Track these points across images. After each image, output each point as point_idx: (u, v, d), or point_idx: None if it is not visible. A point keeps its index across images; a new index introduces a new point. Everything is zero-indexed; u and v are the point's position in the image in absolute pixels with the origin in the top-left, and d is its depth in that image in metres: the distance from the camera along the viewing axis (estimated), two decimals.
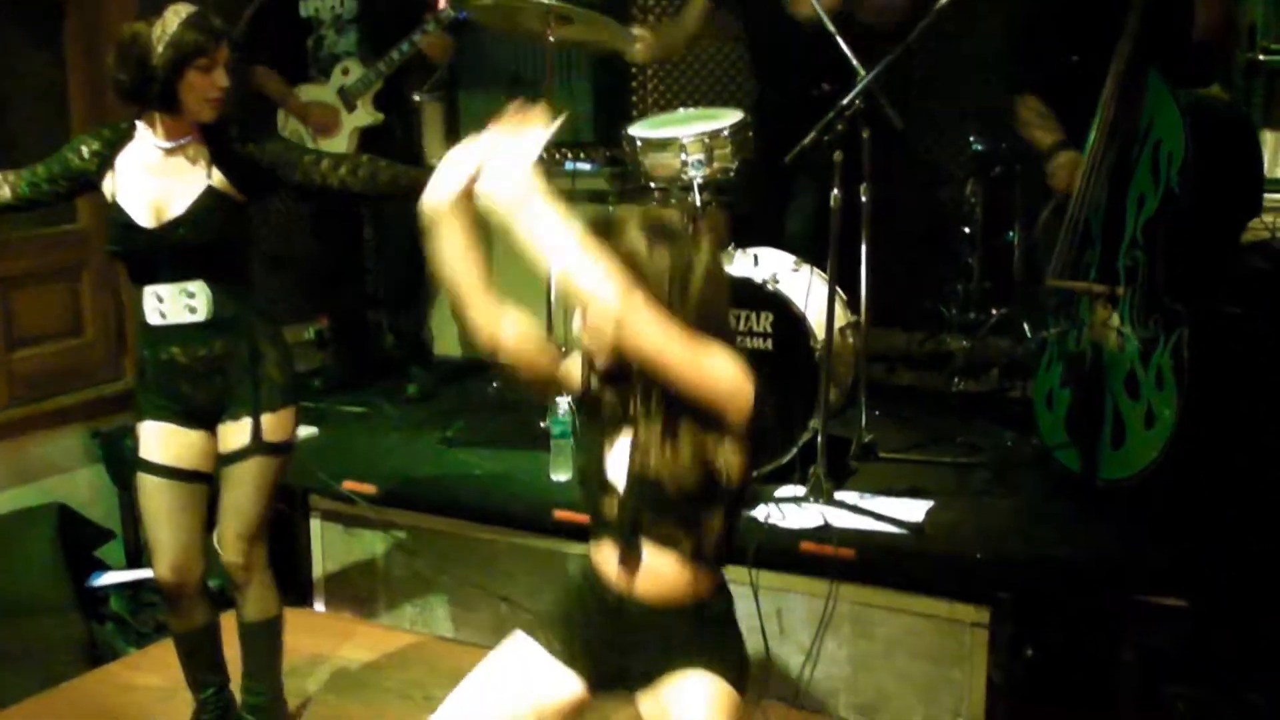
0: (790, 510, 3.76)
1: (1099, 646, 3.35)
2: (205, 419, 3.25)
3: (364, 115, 5.07)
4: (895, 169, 4.96)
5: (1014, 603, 3.39)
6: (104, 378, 5.06)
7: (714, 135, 4.29)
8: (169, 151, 3.15)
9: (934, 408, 4.89)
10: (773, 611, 3.65)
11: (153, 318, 3.17)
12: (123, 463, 4.61)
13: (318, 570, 4.47)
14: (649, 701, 2.36)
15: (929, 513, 3.76)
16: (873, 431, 4.32)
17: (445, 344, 5.97)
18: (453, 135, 6.12)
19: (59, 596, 4.38)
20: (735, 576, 2.48)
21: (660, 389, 2.21)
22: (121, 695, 3.92)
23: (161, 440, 3.24)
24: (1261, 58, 4.62)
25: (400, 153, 5.13)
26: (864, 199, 4.10)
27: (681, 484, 2.24)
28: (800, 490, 3.86)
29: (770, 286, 3.94)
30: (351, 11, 5.08)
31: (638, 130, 4.48)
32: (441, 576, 4.23)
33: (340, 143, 5.07)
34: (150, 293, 3.16)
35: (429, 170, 3.35)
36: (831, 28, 4.13)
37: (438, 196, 2.22)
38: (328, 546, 4.45)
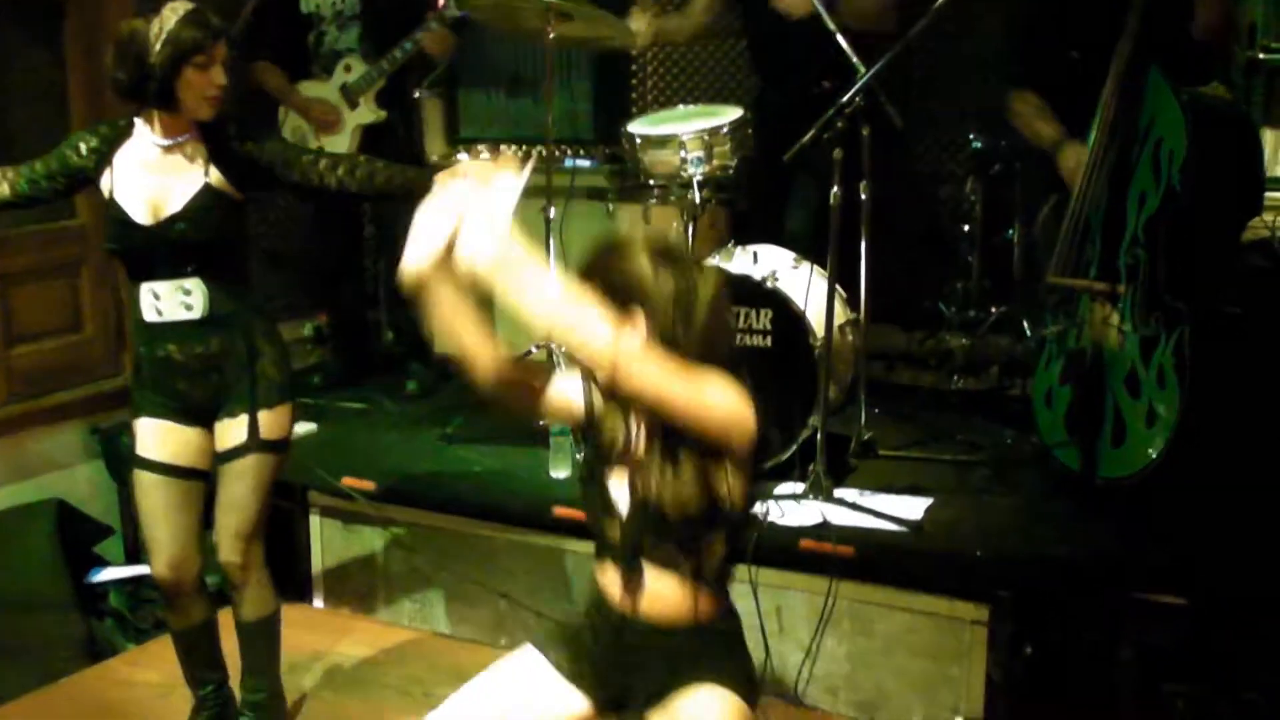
0: (790, 508, 3.76)
1: (1098, 644, 3.35)
2: (202, 416, 3.25)
3: (366, 113, 5.07)
4: (895, 167, 4.97)
5: (1013, 600, 3.39)
6: (103, 374, 5.06)
7: (714, 132, 4.29)
8: (167, 149, 3.14)
9: (933, 405, 4.89)
10: (772, 609, 3.65)
11: (149, 315, 3.17)
12: (122, 459, 4.61)
13: (317, 566, 4.47)
14: (660, 718, 2.36)
15: (928, 510, 3.76)
16: (872, 429, 4.32)
17: (445, 341, 5.96)
18: (453, 132, 6.12)
19: (58, 593, 4.37)
20: (735, 575, 2.48)
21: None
22: (121, 691, 3.92)
23: (158, 437, 3.23)
24: (1261, 56, 4.61)
25: (402, 150, 5.15)
26: (864, 196, 4.10)
27: (683, 508, 2.24)
28: (800, 488, 3.86)
29: (770, 284, 3.94)
30: (353, 8, 5.07)
31: (637, 127, 4.48)
32: (440, 573, 4.23)
33: (342, 140, 5.07)
34: (147, 290, 3.16)
35: (426, 170, 3.36)
36: (831, 25, 4.13)
37: (415, 265, 2.15)
38: (327, 543, 4.45)
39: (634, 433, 2.30)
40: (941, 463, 4.22)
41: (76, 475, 4.85)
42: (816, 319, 3.90)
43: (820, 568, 3.58)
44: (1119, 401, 3.66)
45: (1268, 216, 3.95)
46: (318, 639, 4.16)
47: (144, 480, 3.24)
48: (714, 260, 4.15)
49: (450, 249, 2.09)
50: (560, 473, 4.12)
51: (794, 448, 3.96)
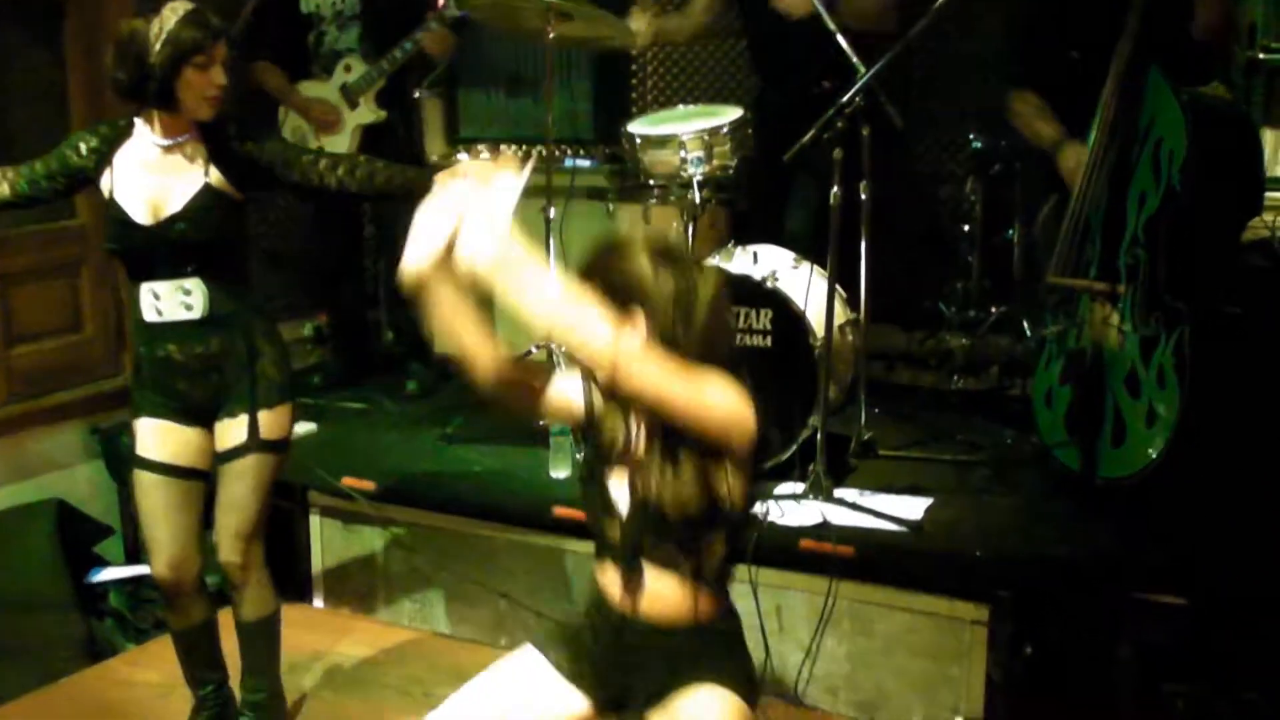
0: (790, 508, 3.76)
1: (1098, 644, 3.35)
2: (202, 416, 3.25)
3: (366, 113, 5.07)
4: (895, 167, 4.97)
5: (1013, 600, 3.39)
6: (103, 374, 5.06)
7: (713, 132, 4.29)
8: (167, 149, 3.14)
9: (933, 405, 4.89)
10: (772, 609, 3.65)
11: (149, 315, 3.17)
12: (122, 459, 4.61)
13: (317, 566, 4.47)
14: (660, 718, 2.36)
15: (928, 510, 3.76)
16: (872, 429, 4.32)
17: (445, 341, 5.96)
18: (452, 132, 6.12)
19: (58, 593, 4.38)
20: (735, 574, 2.48)
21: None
22: (120, 691, 3.92)
23: (158, 437, 3.23)
24: (1261, 56, 4.61)
25: (402, 150, 5.15)
26: (864, 196, 4.10)
27: (683, 509, 2.24)
28: (800, 487, 3.86)
29: (770, 284, 3.94)
30: (353, 8, 5.07)
31: (637, 127, 4.48)
32: (440, 573, 4.23)
33: (342, 140, 5.07)
34: (147, 290, 3.16)
35: (426, 170, 3.36)
36: (831, 25, 4.14)
37: (415, 266, 2.14)
38: (327, 543, 4.45)
39: (634, 433, 2.30)
40: (941, 463, 4.22)
41: (76, 475, 4.85)
42: (816, 319, 3.90)
43: (820, 568, 3.58)
44: (1119, 401, 3.66)
45: (1267, 216, 3.95)
46: (318, 639, 4.16)
47: (144, 480, 3.24)
48: (714, 260, 4.15)
49: (450, 249, 2.09)
50: (560, 473, 4.12)
51: (794, 448, 3.96)
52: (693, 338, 2.19)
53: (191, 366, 3.18)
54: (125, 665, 4.13)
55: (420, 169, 3.37)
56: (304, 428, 4.68)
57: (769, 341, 3.96)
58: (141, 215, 3.11)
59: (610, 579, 2.38)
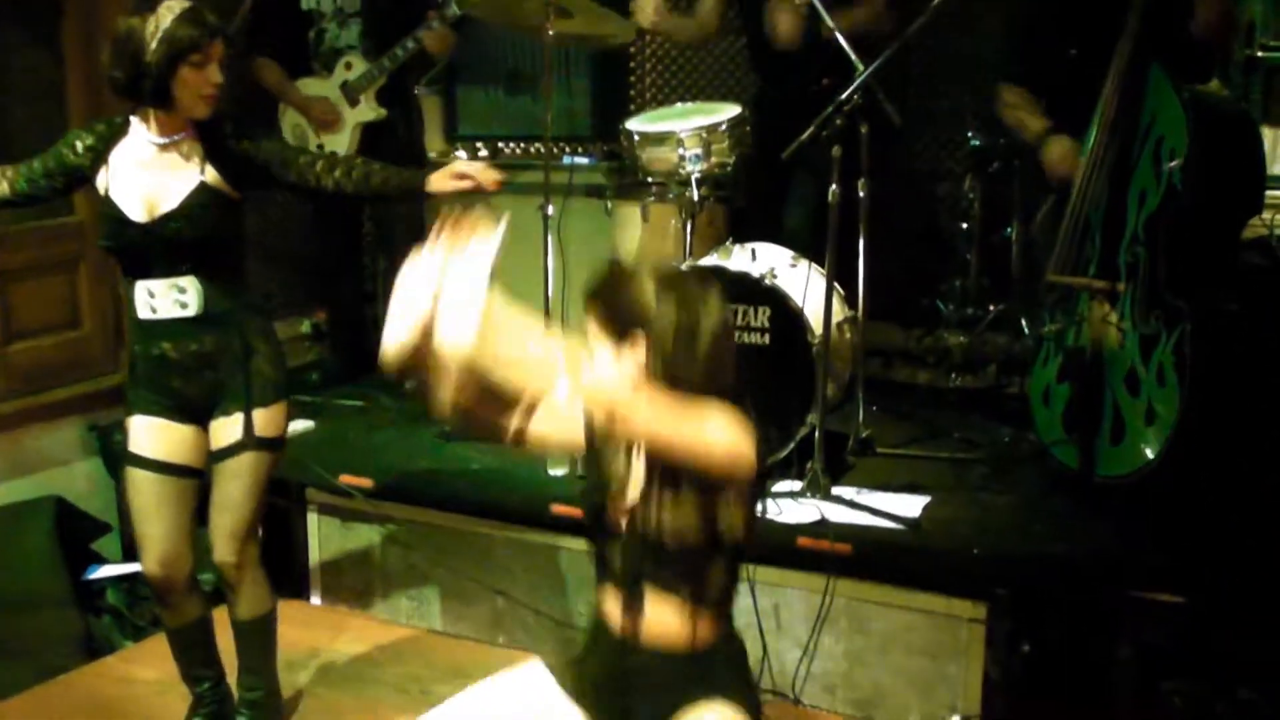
0: (787, 505, 3.76)
1: (1096, 642, 3.35)
2: (196, 414, 3.24)
3: (367, 111, 5.07)
4: (893, 164, 4.98)
5: (1011, 598, 3.39)
6: (101, 370, 5.05)
7: (712, 130, 4.29)
8: (163, 147, 3.14)
9: (931, 403, 4.91)
10: (769, 607, 3.65)
11: (144, 312, 3.16)
12: (119, 456, 4.60)
13: (314, 563, 4.47)
14: None
15: (926, 508, 3.76)
16: (870, 427, 4.32)
17: None
18: (451, 130, 6.12)
19: (56, 590, 4.37)
20: (735, 598, 2.47)
21: None
22: (118, 688, 3.92)
23: (152, 435, 3.23)
24: (1260, 54, 4.61)
25: (402, 148, 5.15)
26: (862, 194, 4.10)
27: (683, 538, 2.23)
28: (797, 485, 3.87)
29: (768, 281, 3.94)
30: (353, 5, 5.07)
31: (635, 124, 4.48)
32: (438, 570, 4.23)
33: (342, 138, 5.07)
34: (142, 287, 3.15)
35: (421, 171, 3.35)
36: (830, 23, 4.14)
37: (396, 347, 2.09)
38: (324, 540, 4.45)
39: (634, 463, 2.29)
40: (939, 460, 4.22)
41: (74, 472, 4.85)
42: (815, 316, 3.90)
43: (818, 565, 3.58)
44: (1118, 400, 3.66)
45: (1266, 215, 3.95)
46: (315, 636, 4.16)
47: (136, 477, 3.24)
48: (712, 258, 4.15)
49: (430, 327, 2.05)
50: (558, 470, 4.12)
51: (792, 445, 3.96)
52: (695, 368, 2.18)
53: (186, 364, 3.18)
54: (123, 662, 4.13)
55: (415, 170, 3.36)
56: (302, 425, 4.68)
57: (767, 339, 3.96)
58: (137, 213, 3.11)
59: (611, 604, 2.37)
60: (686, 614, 2.30)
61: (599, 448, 2.36)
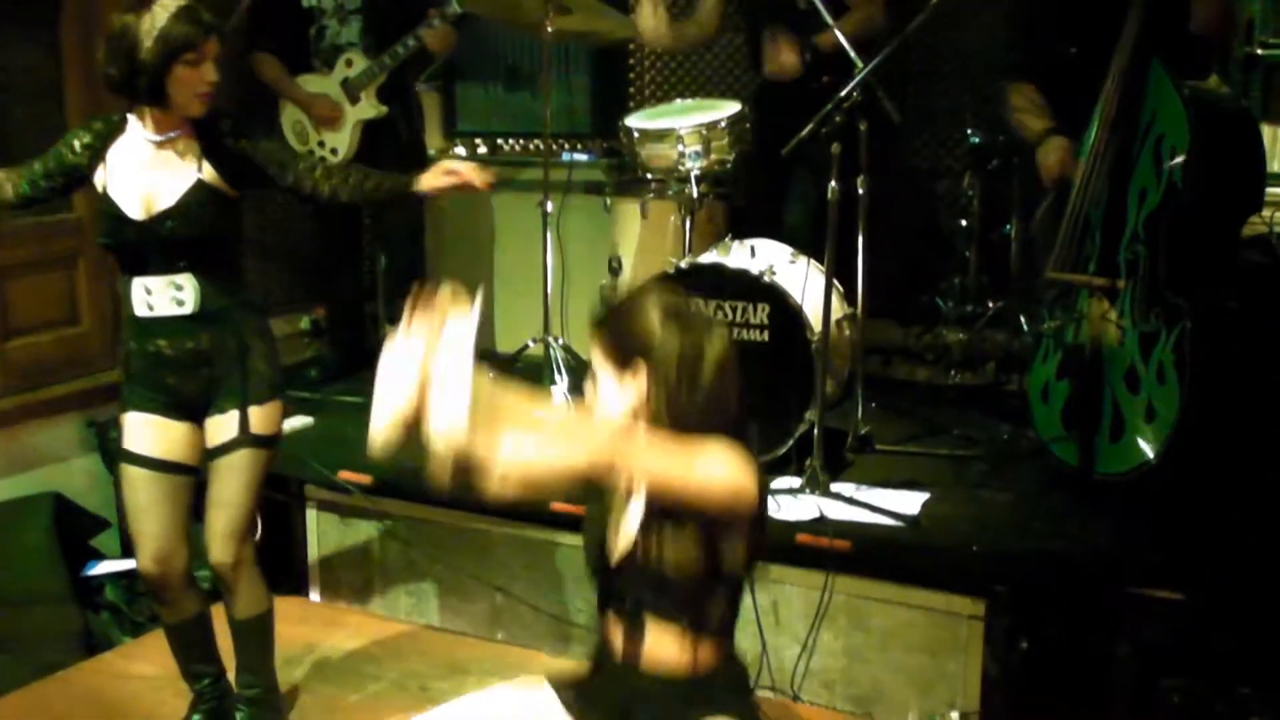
0: (786, 502, 3.76)
1: (1095, 640, 3.35)
2: (191, 411, 3.24)
3: (367, 108, 5.07)
4: (892, 162, 4.98)
5: (1010, 595, 3.39)
6: (100, 367, 5.04)
7: (711, 127, 4.29)
8: (159, 145, 3.14)
9: (930, 400, 4.90)
10: (768, 604, 3.65)
11: (140, 310, 3.16)
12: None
13: (313, 560, 4.47)
14: None
15: (925, 505, 3.76)
16: (869, 424, 4.32)
17: None
18: (450, 126, 6.12)
19: (54, 586, 4.37)
20: (737, 623, 2.47)
21: None
22: (117, 684, 3.92)
23: (146, 432, 3.22)
24: (1259, 52, 4.61)
25: (402, 145, 5.15)
26: (861, 191, 4.09)
27: (684, 570, 2.22)
28: (796, 482, 3.86)
29: (767, 278, 3.94)
30: (354, 3, 5.07)
31: (635, 121, 4.48)
32: (436, 566, 4.23)
33: (343, 135, 5.07)
34: (139, 285, 3.15)
35: (412, 176, 3.34)
36: (829, 19, 4.14)
37: (383, 433, 2.03)
38: (323, 536, 4.45)
39: (635, 495, 2.28)
40: (938, 458, 4.22)
41: (73, 468, 4.84)
42: (814, 313, 3.89)
43: (817, 562, 3.58)
44: (1118, 397, 3.66)
45: (1265, 213, 3.95)
46: (314, 632, 4.16)
47: (131, 474, 3.24)
48: (711, 254, 4.15)
49: (416, 413, 2.00)
50: None
51: (791, 442, 3.96)
52: (697, 399, 2.17)
53: (182, 361, 3.18)
54: (121, 658, 4.13)
55: (407, 176, 3.35)
56: (300, 421, 4.68)
57: (766, 336, 3.96)
58: (134, 210, 3.11)
59: (612, 630, 2.37)
60: (687, 641, 2.29)
61: (599, 482, 2.34)
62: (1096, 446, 3.71)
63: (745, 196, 4.68)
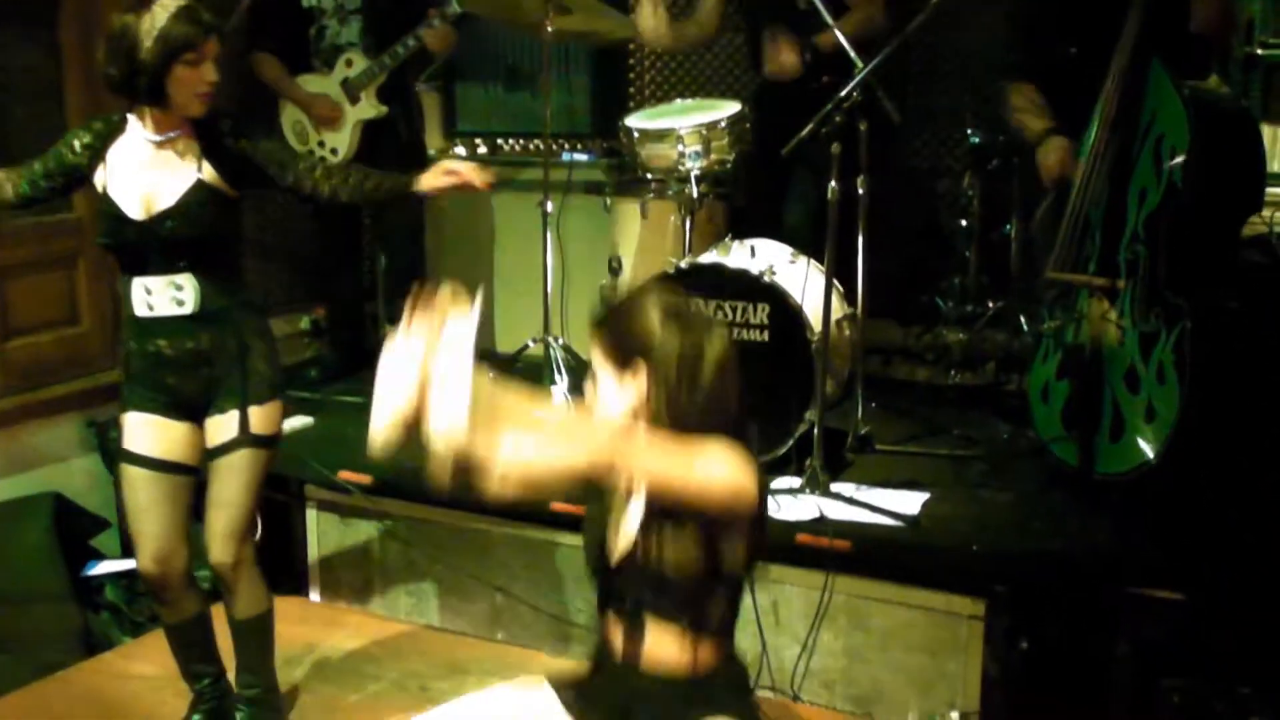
0: (786, 502, 3.76)
1: (1094, 639, 3.35)
2: (191, 411, 3.24)
3: (367, 108, 5.07)
4: (892, 162, 4.97)
5: (1010, 595, 3.39)
6: (100, 367, 5.04)
7: (711, 127, 4.29)
8: (159, 144, 3.13)
9: (930, 400, 4.90)
10: (768, 603, 3.65)
11: (140, 310, 3.16)
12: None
13: (313, 559, 4.47)
14: None
15: (925, 505, 3.76)
16: (869, 424, 4.32)
17: None
18: (450, 126, 6.12)
19: (54, 586, 4.37)
20: (737, 623, 2.47)
21: None
22: (117, 684, 3.92)
23: (146, 432, 3.22)
24: (1259, 52, 4.61)
25: (402, 145, 5.14)
26: (861, 191, 4.09)
27: (684, 570, 2.22)
28: (796, 482, 3.86)
29: (767, 278, 3.94)
30: (354, 3, 5.07)
31: (635, 121, 4.48)
32: (436, 566, 4.23)
33: (343, 135, 5.07)
34: (139, 284, 3.15)
35: (411, 176, 3.35)
36: (829, 19, 4.14)
37: (383, 434, 2.02)
38: (323, 536, 4.45)
39: (635, 495, 2.28)
40: (938, 458, 4.22)
41: (73, 468, 4.84)
42: (814, 313, 3.89)
43: (817, 562, 3.58)
44: (1118, 397, 3.66)
45: (1265, 213, 3.95)
46: (314, 632, 4.16)
47: (131, 474, 3.24)
48: (711, 254, 4.15)
49: (416, 414, 2.00)
50: None
51: (791, 442, 3.96)
52: (697, 399, 2.17)
53: (182, 361, 3.18)
54: (121, 658, 4.13)
55: (408, 176, 3.34)
56: (300, 421, 4.68)
57: (766, 336, 3.96)
58: (134, 210, 3.11)
59: (612, 630, 2.36)
60: (687, 641, 2.29)
61: (599, 482, 2.34)
62: (1096, 446, 3.71)
63: (745, 196, 4.69)
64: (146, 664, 3.96)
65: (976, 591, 3.44)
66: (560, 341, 4.76)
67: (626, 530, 2.28)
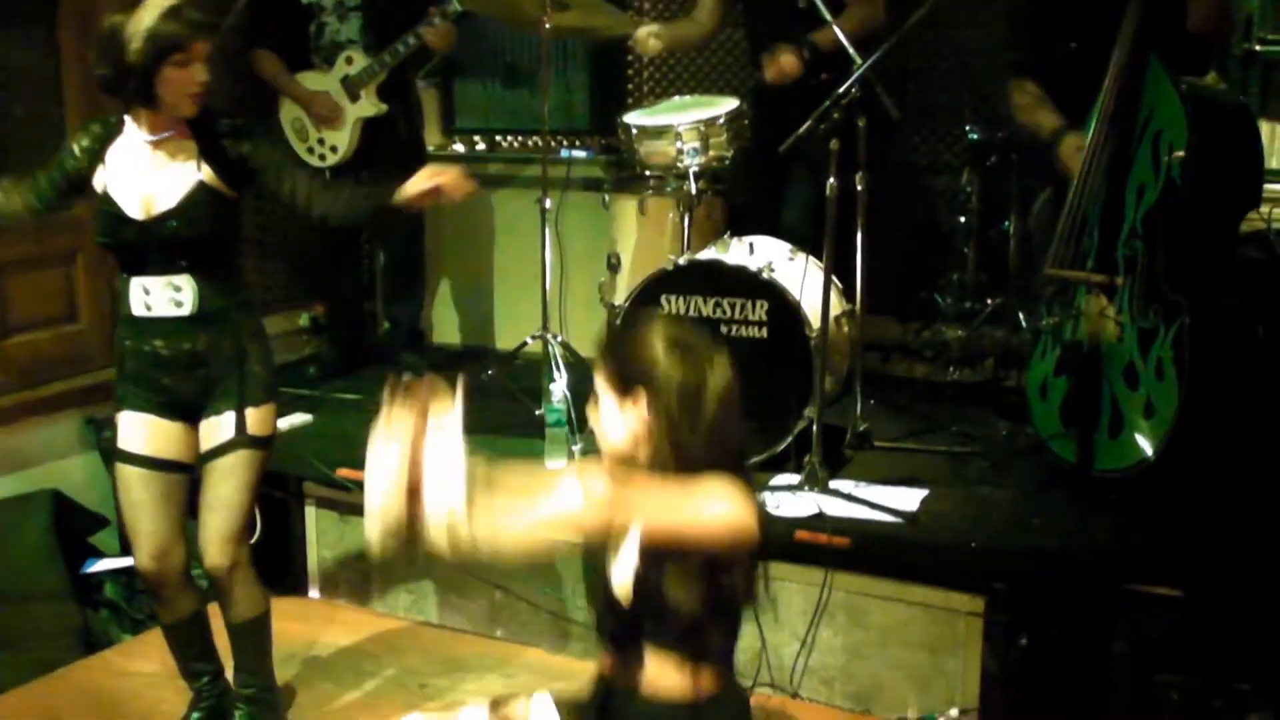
0: (785, 499, 3.76)
1: (1093, 636, 3.35)
2: (186, 411, 3.24)
3: (367, 106, 5.06)
4: (891, 158, 4.97)
5: (1009, 592, 3.40)
6: (98, 364, 5.03)
7: (710, 123, 4.30)
8: (155, 145, 3.13)
9: (929, 397, 4.90)
10: (767, 601, 3.65)
11: (138, 309, 3.16)
12: None
13: (312, 558, 4.47)
14: None
15: (924, 502, 3.76)
16: (868, 420, 4.32)
17: (441, 332, 5.99)
18: (448, 123, 6.12)
19: (54, 583, 4.37)
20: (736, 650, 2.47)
21: None
22: (116, 681, 3.92)
23: (141, 431, 3.22)
24: (1258, 48, 4.61)
25: (402, 143, 5.14)
26: (860, 188, 4.09)
27: (684, 603, 2.20)
28: (795, 479, 3.86)
29: (766, 275, 3.94)
30: (354, 0, 5.07)
31: (633, 118, 4.49)
32: (435, 564, 4.23)
33: (343, 133, 5.07)
34: (138, 284, 3.15)
35: (390, 188, 3.34)
36: (827, 16, 4.14)
37: (381, 520, 2.00)
38: (322, 534, 4.45)
39: (636, 537, 2.27)
40: (937, 454, 4.22)
41: (72, 466, 4.84)
42: (812, 310, 3.90)
43: (816, 559, 3.58)
44: (1116, 393, 3.66)
45: (1264, 209, 3.95)
46: (313, 629, 4.16)
47: (126, 473, 3.24)
48: (709, 251, 4.15)
49: (411, 498, 1.99)
50: (556, 463, 4.12)
51: (790, 439, 3.96)
52: (699, 430, 2.15)
53: (178, 362, 3.18)
54: (120, 656, 4.13)
55: (387, 188, 3.33)
56: (299, 419, 4.68)
57: (765, 332, 3.96)
58: (134, 211, 3.11)
59: (613, 656, 2.36)
60: (687, 669, 2.27)
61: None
62: (1095, 443, 3.71)
63: (744, 193, 4.69)
64: (146, 661, 3.96)
65: (975, 588, 3.44)
66: (559, 338, 4.76)
67: (626, 566, 2.28)
